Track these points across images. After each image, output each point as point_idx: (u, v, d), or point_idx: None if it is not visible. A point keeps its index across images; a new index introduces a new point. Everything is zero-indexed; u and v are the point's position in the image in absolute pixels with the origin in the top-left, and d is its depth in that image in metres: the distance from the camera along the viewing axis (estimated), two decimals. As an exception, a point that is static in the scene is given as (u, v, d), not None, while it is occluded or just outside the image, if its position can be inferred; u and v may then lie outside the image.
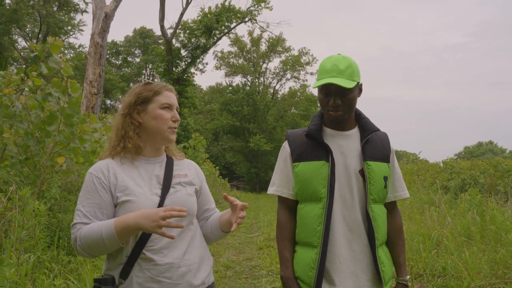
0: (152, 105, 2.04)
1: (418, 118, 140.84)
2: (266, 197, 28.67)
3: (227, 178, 29.87)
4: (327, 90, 2.13)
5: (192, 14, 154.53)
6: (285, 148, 2.32)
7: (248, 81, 50.44)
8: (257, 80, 50.33)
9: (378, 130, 2.28)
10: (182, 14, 29.10)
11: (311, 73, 49.71)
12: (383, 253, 2.18)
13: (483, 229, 5.95)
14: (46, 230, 4.45)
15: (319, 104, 2.24)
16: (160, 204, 1.95)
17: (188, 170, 2.21)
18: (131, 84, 53.37)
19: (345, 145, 2.22)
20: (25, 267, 3.32)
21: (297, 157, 2.24)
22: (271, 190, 2.34)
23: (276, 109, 48.41)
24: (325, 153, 2.17)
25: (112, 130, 2.13)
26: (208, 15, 31.10)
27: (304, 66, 49.08)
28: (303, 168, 2.20)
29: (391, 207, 2.31)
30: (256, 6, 32.64)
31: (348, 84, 2.07)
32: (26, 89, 5.31)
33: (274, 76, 50.79)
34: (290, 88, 50.99)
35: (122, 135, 2.04)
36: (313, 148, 2.21)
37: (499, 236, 5.36)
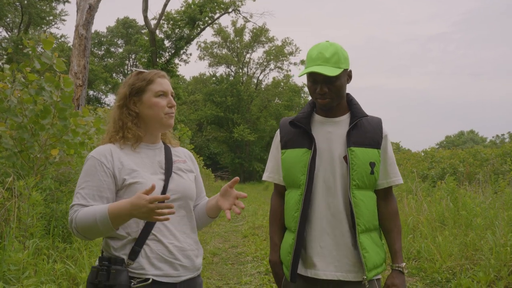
0: (146, 95, 2.06)
1: (402, 107, 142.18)
2: (251, 187, 28.97)
3: (210, 169, 30.07)
4: (314, 78, 2.15)
5: (175, 5, 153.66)
6: (277, 135, 2.38)
7: (232, 71, 50.58)
8: (240, 71, 50.48)
9: (367, 115, 2.26)
10: (165, 5, 29.06)
11: (295, 63, 49.96)
12: (368, 239, 2.16)
13: (455, 215, 6.31)
14: (42, 219, 4.67)
15: (308, 93, 2.27)
16: (165, 188, 1.99)
17: (185, 157, 2.26)
18: (113, 74, 53.11)
19: (333, 131, 2.23)
20: (27, 253, 3.54)
21: (284, 144, 2.30)
22: (264, 176, 2.43)
23: (260, 100, 48.62)
24: (308, 141, 2.21)
25: (109, 122, 2.15)
26: (192, 6, 31.07)
27: (288, 56, 49.35)
28: (288, 155, 2.26)
29: (385, 193, 2.29)
30: (239, -4, 32.73)
31: (333, 72, 2.07)
32: (19, 83, 5.49)
33: (258, 66, 51.02)
34: (273, 78, 51.23)
35: (120, 126, 2.07)
36: (298, 136, 2.25)
37: (469, 221, 5.72)
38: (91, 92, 47.50)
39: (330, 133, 2.22)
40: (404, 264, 2.21)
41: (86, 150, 6.37)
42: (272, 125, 45.35)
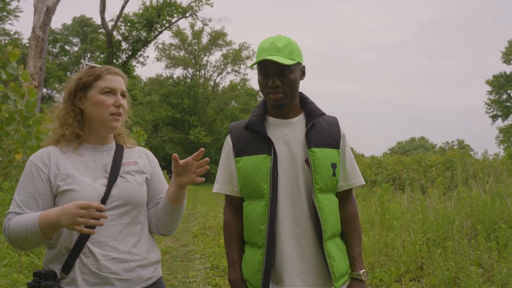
0: (92, 91, 1.91)
1: (358, 113, 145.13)
2: (205, 189, 29.39)
3: (166, 170, 30.34)
4: (266, 70, 2.01)
5: (133, 7, 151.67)
6: (228, 142, 2.20)
7: (189, 73, 50.81)
8: (198, 73, 50.76)
9: (324, 114, 2.15)
10: (123, 7, 29.26)
11: (252, 67, 50.56)
12: (334, 247, 2.04)
13: (382, 217, 7.12)
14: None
15: (259, 89, 2.10)
16: (106, 194, 1.85)
17: (139, 157, 2.09)
18: (68, 73, 52.37)
19: (290, 134, 2.08)
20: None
21: (238, 151, 2.11)
22: (215, 188, 2.22)
23: (217, 102, 49.02)
24: (267, 146, 2.04)
25: (56, 118, 2.00)
26: (150, 9, 31.40)
27: (245, 60, 49.92)
28: (245, 162, 2.08)
29: (344, 196, 2.15)
30: (197, 2, 33.24)
31: (286, 61, 1.95)
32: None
33: (215, 69, 51.39)
34: (230, 81, 51.83)
35: (63, 122, 1.93)
36: (254, 141, 2.08)
37: (391, 223, 6.52)
38: (44, 90, 46.79)
39: (287, 136, 2.08)
40: (363, 271, 2.09)
41: (42, 146, 6.84)
42: (228, 128, 45.84)
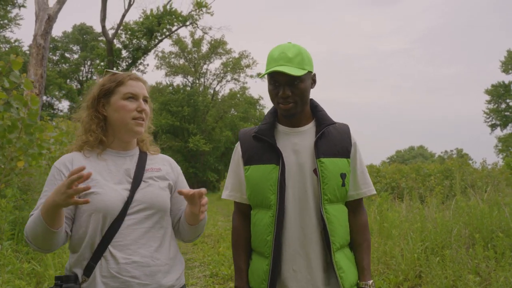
0: (114, 97, 1.95)
1: (358, 120, 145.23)
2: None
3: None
4: (276, 80, 1.99)
5: (134, 16, 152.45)
6: (237, 149, 2.18)
7: (189, 81, 50.95)
8: (197, 81, 50.92)
9: (335, 123, 2.11)
10: (124, 15, 29.46)
11: (251, 76, 50.75)
12: (343, 258, 2.03)
13: (381, 226, 7.16)
14: (9, 225, 5.18)
15: (270, 98, 2.10)
16: (130, 199, 1.87)
17: (162, 165, 2.11)
18: (68, 80, 52.50)
19: (299, 143, 2.06)
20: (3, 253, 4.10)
21: (247, 159, 2.10)
22: (224, 194, 2.22)
23: (216, 110, 49.12)
24: (275, 156, 2.02)
25: (81, 124, 2.05)
26: (150, 18, 31.59)
27: (244, 68, 50.07)
28: (253, 172, 2.06)
29: (354, 205, 2.13)
30: (197, 10, 33.44)
31: (297, 72, 1.93)
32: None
33: (215, 77, 51.55)
34: (230, 89, 51.92)
35: (87, 128, 1.98)
36: (263, 150, 2.06)
37: (389, 231, 6.56)
38: (44, 98, 46.88)
39: (297, 145, 2.06)
40: (371, 281, 2.08)
41: (44, 160, 6.90)
42: (228, 136, 45.93)
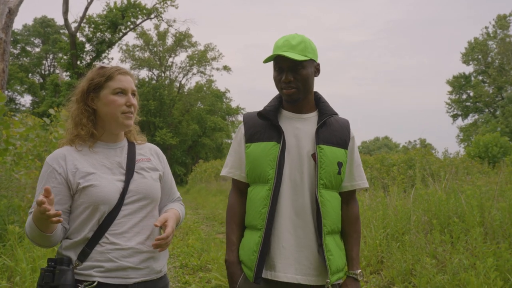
0: (104, 91, 1.99)
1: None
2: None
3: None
4: (279, 65, 2.10)
5: (97, 9, 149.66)
6: (240, 129, 2.26)
7: (154, 75, 50.51)
8: (163, 74, 50.49)
9: (336, 114, 2.22)
10: (87, 8, 29.04)
11: (217, 69, 50.61)
12: (332, 242, 2.09)
13: (345, 215, 7.40)
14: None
15: (274, 84, 2.18)
16: (124, 190, 1.95)
17: (151, 155, 2.19)
18: (30, 74, 51.34)
19: (301, 128, 2.16)
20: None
21: (249, 137, 2.19)
22: (223, 171, 2.30)
23: (182, 104, 48.81)
24: (277, 134, 2.12)
25: (69, 118, 2.09)
26: (114, 10, 31.18)
27: (211, 61, 49.90)
28: (254, 148, 2.15)
29: (348, 196, 2.22)
30: (162, 3, 33.20)
31: (298, 57, 2.03)
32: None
33: (181, 70, 51.14)
34: (196, 83, 51.71)
35: (77, 122, 2.02)
36: (266, 129, 2.16)
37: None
38: (6, 92, 45.73)
39: (298, 129, 2.16)
40: (359, 271, 2.16)
41: (10, 156, 6.87)
42: (195, 129, 45.79)
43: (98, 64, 2.09)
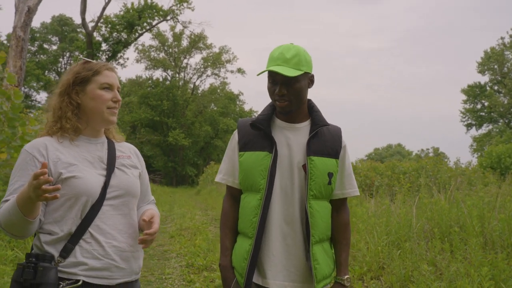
0: (91, 86, 1.96)
1: (337, 118, 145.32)
2: (182, 191, 29.57)
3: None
4: (273, 78, 2.11)
5: (114, 9, 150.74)
6: (234, 136, 2.29)
7: (169, 75, 50.87)
8: (177, 75, 50.87)
9: (328, 124, 2.23)
10: (104, 8, 29.38)
11: (232, 71, 50.88)
12: (320, 251, 2.14)
13: (350, 221, 7.51)
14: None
15: (268, 95, 2.20)
16: (106, 184, 1.91)
17: (130, 153, 2.17)
18: (46, 72, 51.97)
19: (293, 138, 2.18)
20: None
21: (243, 146, 2.21)
22: (218, 177, 2.33)
23: (196, 105, 49.15)
24: (269, 144, 2.14)
25: (49, 111, 2.03)
26: (131, 11, 31.55)
27: (225, 63, 50.20)
28: (247, 157, 2.18)
29: (338, 204, 2.25)
30: (178, 5, 33.50)
31: (292, 72, 2.04)
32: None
33: (195, 72, 51.60)
34: (210, 84, 52.09)
35: (59, 115, 1.97)
36: (259, 138, 2.18)
37: (357, 226, 6.92)
38: (22, 89, 46.27)
39: (290, 139, 2.18)
40: (347, 276, 2.20)
41: (36, 137, 7.08)
42: (207, 130, 46.12)
43: (82, 58, 2.07)
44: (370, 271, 5.59)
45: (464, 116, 48.60)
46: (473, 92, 47.54)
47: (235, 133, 2.30)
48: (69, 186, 1.83)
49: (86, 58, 2.06)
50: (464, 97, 48.31)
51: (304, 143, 2.15)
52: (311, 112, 2.26)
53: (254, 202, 2.13)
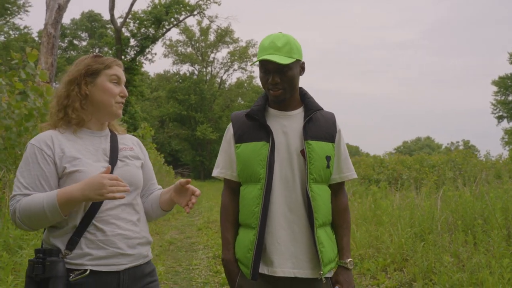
0: (101, 78, 1.99)
1: (366, 111, 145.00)
2: (210, 185, 29.84)
3: (171, 166, 30.82)
4: (266, 68, 2.12)
5: (142, 5, 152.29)
6: (229, 129, 2.29)
7: (196, 70, 51.24)
8: (204, 70, 51.22)
9: (322, 109, 2.25)
10: (132, 4, 29.72)
11: (253, 65, 50.82)
12: (324, 234, 2.15)
13: (374, 214, 7.56)
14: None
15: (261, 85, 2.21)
16: None
17: (133, 144, 2.19)
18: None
19: (288, 125, 2.19)
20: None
21: (238, 138, 2.22)
22: (215, 172, 2.32)
23: (223, 99, 49.41)
24: (266, 134, 2.15)
25: (54, 99, 2.05)
26: (158, 7, 31.85)
27: (252, 57, 50.18)
28: (244, 149, 2.18)
29: (336, 188, 2.27)
30: (205, 0, 33.71)
31: (284, 60, 2.05)
32: (4, 91, 6.40)
33: (222, 66, 51.84)
34: (237, 78, 52.31)
35: (66, 104, 1.97)
36: (254, 129, 2.19)
37: (381, 218, 6.96)
38: (53, 85, 47.22)
39: (285, 127, 2.19)
40: (350, 259, 2.21)
41: (39, 130, 7.33)
42: (230, 116, 46.17)
43: (94, 52, 2.20)
44: (394, 263, 5.65)
45: (495, 108, 47.59)
46: (505, 84, 46.45)
47: (230, 126, 2.31)
48: (73, 180, 1.85)
49: (97, 53, 2.09)
50: (495, 89, 47.28)
51: (300, 130, 2.17)
52: (304, 99, 2.28)
53: (255, 192, 2.13)
